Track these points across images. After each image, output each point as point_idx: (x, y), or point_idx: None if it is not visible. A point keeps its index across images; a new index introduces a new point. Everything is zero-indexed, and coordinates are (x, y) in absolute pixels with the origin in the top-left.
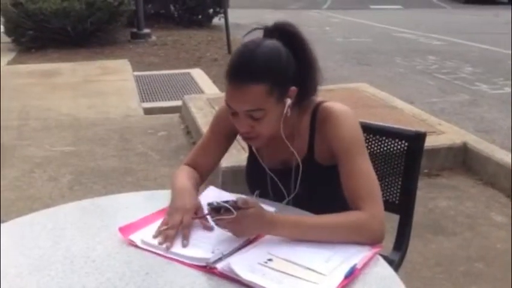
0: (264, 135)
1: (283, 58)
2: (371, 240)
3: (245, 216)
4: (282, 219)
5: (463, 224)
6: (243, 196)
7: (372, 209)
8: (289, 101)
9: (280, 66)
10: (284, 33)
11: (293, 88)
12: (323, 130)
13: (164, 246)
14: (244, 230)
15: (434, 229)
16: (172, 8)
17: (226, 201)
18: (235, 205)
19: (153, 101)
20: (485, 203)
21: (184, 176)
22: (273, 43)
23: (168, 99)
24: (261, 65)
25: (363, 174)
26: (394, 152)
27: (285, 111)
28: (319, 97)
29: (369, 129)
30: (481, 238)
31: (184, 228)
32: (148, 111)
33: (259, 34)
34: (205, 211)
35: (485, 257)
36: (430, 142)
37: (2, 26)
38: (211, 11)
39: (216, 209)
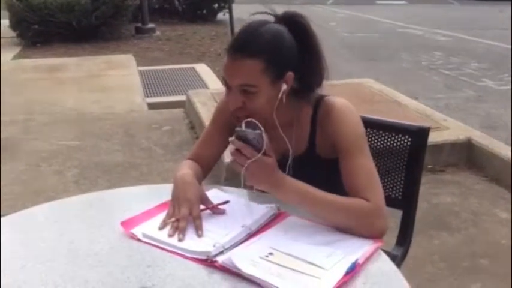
0: (255, 115)
1: (285, 42)
2: (371, 230)
3: (262, 164)
4: (292, 182)
5: (467, 220)
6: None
7: (376, 201)
8: (284, 86)
9: (279, 48)
10: (292, 21)
11: (290, 73)
12: (325, 124)
13: (175, 238)
14: (256, 178)
15: (438, 225)
16: (176, 2)
17: (255, 132)
18: (262, 141)
19: (158, 95)
20: (489, 200)
21: (186, 169)
22: (278, 26)
23: (173, 94)
24: (260, 42)
25: (364, 169)
26: (398, 147)
27: (279, 96)
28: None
29: (372, 124)
30: (485, 234)
31: (196, 220)
32: (152, 106)
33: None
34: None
35: (490, 253)
36: (434, 138)
37: (7, 20)
38: (216, 6)
39: (241, 137)
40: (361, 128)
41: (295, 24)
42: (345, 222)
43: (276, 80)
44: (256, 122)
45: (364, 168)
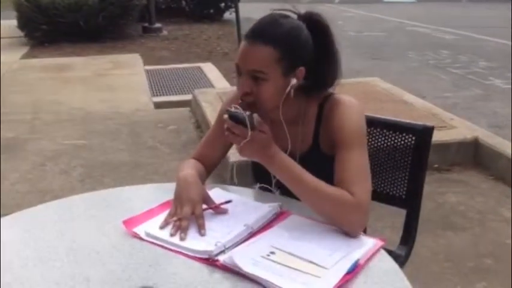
0: (261, 104)
1: (302, 37)
2: (347, 223)
3: (256, 139)
4: (284, 159)
5: (473, 219)
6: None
7: (359, 196)
8: (294, 81)
9: (295, 42)
10: (311, 20)
11: (301, 69)
12: (329, 119)
13: (177, 237)
14: (250, 152)
15: (444, 224)
16: (183, 2)
17: (245, 113)
18: (251, 121)
19: (164, 95)
20: (496, 199)
21: (188, 168)
22: (298, 22)
23: (179, 94)
24: (277, 31)
25: (355, 163)
26: (402, 146)
27: (287, 90)
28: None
29: (376, 123)
30: (491, 234)
31: (199, 219)
32: (158, 105)
33: None
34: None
35: (495, 253)
36: (441, 137)
37: (15, 21)
38: (222, 5)
39: (233, 117)
40: (360, 125)
41: (314, 23)
42: (324, 209)
43: (287, 72)
44: (238, 108)
45: (355, 162)
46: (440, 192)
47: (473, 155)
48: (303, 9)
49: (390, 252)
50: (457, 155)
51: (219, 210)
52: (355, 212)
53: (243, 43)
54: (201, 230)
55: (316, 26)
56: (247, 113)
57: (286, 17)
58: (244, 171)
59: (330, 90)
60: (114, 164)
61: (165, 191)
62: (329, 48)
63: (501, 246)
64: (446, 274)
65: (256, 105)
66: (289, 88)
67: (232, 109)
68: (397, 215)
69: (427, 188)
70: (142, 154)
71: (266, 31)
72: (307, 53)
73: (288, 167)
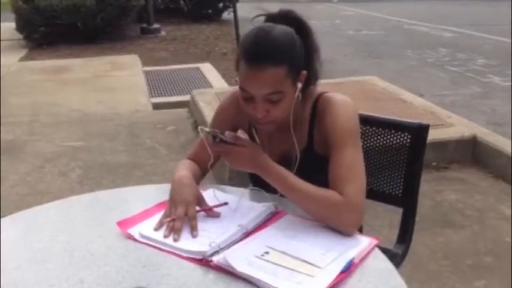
0: (278, 120)
1: (297, 41)
2: (338, 223)
3: (238, 152)
4: (274, 169)
5: (472, 217)
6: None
7: (350, 195)
8: (299, 85)
9: (295, 49)
10: (289, 19)
11: (304, 72)
12: (322, 118)
13: (171, 238)
14: (239, 163)
15: (442, 222)
16: (181, 2)
17: (220, 133)
18: (224, 139)
19: (162, 96)
20: (495, 196)
21: (183, 169)
22: (284, 27)
23: (177, 94)
24: (280, 47)
25: (347, 162)
26: (398, 144)
27: (296, 95)
28: (321, 88)
29: (372, 122)
30: (490, 231)
31: (192, 220)
32: (157, 106)
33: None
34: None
35: (495, 251)
36: (438, 135)
37: (13, 23)
38: (220, 5)
39: (214, 137)
40: (355, 123)
41: (293, 21)
42: (315, 212)
43: (294, 80)
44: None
45: (347, 161)
46: (438, 190)
47: (471, 153)
48: (300, 9)
49: (387, 251)
50: (455, 152)
51: (211, 213)
52: (346, 212)
53: (248, 69)
54: (193, 231)
55: (297, 24)
56: (217, 131)
57: (273, 27)
58: (245, 173)
59: (317, 86)
60: (112, 165)
61: (162, 192)
62: (312, 42)
63: (501, 244)
64: (445, 272)
65: (275, 121)
66: (297, 93)
67: (209, 130)
68: (395, 213)
69: (425, 186)
70: (140, 155)
71: (269, 51)
72: (302, 54)
73: (279, 174)
